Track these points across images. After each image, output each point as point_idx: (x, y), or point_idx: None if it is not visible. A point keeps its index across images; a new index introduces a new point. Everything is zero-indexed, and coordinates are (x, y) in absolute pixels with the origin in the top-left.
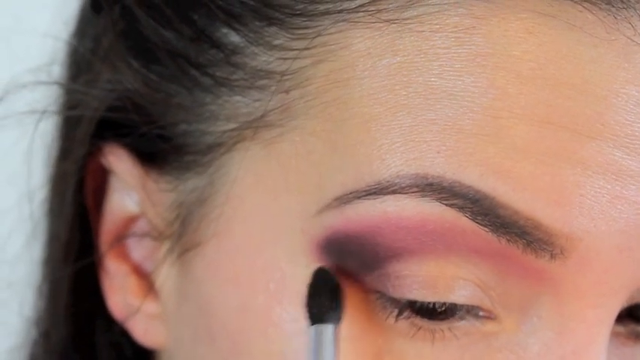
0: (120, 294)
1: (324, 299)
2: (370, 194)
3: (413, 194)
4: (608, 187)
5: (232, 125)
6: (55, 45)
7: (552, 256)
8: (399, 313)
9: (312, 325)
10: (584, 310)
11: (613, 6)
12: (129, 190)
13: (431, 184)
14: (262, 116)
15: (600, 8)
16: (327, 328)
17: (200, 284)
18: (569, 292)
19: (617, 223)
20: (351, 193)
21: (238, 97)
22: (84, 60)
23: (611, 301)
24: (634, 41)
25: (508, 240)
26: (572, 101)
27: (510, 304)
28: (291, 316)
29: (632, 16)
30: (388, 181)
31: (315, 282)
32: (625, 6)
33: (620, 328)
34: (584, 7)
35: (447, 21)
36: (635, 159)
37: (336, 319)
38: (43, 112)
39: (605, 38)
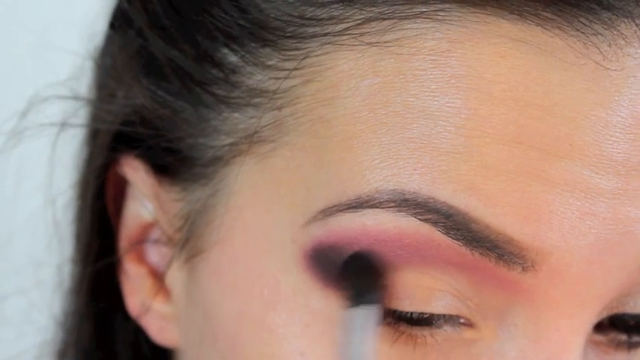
0: (138, 295)
1: (365, 280)
2: (351, 208)
3: (390, 209)
4: (578, 204)
5: (231, 140)
6: (80, 61)
7: (524, 269)
8: (381, 319)
9: (354, 307)
10: (557, 320)
11: (582, 32)
12: (144, 199)
13: (407, 200)
14: (256, 132)
15: (570, 35)
16: (369, 310)
17: (204, 289)
18: (543, 302)
19: (587, 238)
20: (334, 207)
21: (236, 114)
22: (104, 76)
23: (585, 311)
24: (602, 66)
25: (480, 253)
26: (542, 122)
27: (487, 312)
28: (284, 321)
29: (601, 42)
30: (368, 196)
31: (354, 264)
32: (594, 32)
33: (601, 337)
34: (554, 33)
35: (425, 44)
36: (604, 177)
37: (378, 300)
38: (63, 124)
39: (574, 63)
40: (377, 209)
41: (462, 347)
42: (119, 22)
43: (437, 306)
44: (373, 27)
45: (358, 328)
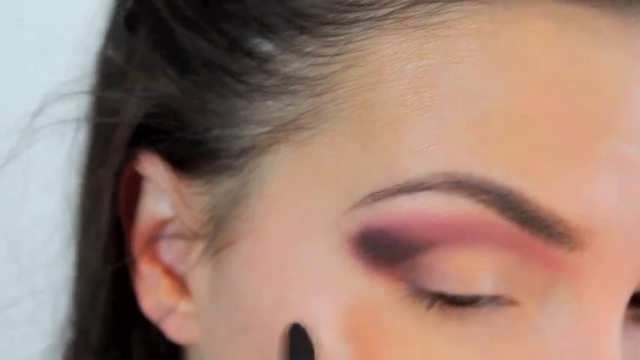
0: (153, 295)
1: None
2: (401, 192)
3: (443, 191)
4: (622, 180)
5: (265, 129)
6: (84, 60)
7: (571, 248)
8: (430, 301)
9: None
10: (600, 297)
11: (623, 11)
12: (162, 194)
13: (460, 182)
14: (294, 119)
15: (613, 14)
16: None
17: (235, 281)
18: (586, 279)
19: (630, 215)
20: (382, 191)
21: (271, 102)
22: (117, 71)
23: (624, 287)
24: None
25: (531, 233)
26: (587, 101)
27: (531, 291)
28: (326, 306)
29: None
30: (418, 180)
31: (292, 342)
32: (635, 12)
33: (628, 312)
34: (597, 12)
35: (472, 26)
36: None
37: None
38: (80, 120)
39: (616, 41)
40: (429, 192)
41: (506, 324)
42: (140, 11)
43: (485, 287)
44: (418, 10)
45: None
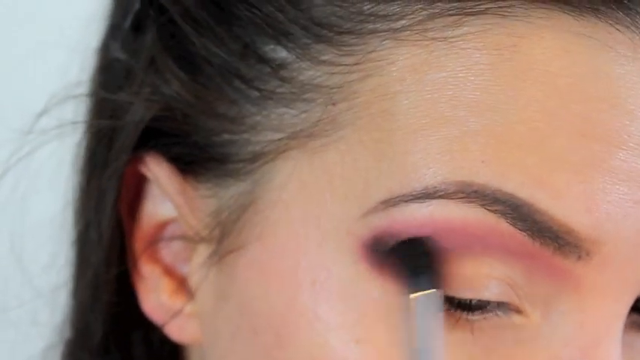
0: (154, 295)
1: (423, 265)
2: (417, 198)
3: (458, 200)
4: (631, 192)
5: (277, 136)
6: (85, 59)
7: (579, 258)
8: (441, 305)
9: (415, 292)
10: (602, 305)
11: (638, 27)
12: (164, 196)
13: (475, 191)
14: (308, 127)
15: (629, 30)
16: (434, 295)
17: (242, 284)
18: (590, 288)
19: (635, 226)
20: (397, 197)
21: (284, 109)
22: (121, 72)
23: (626, 295)
24: None
25: (541, 243)
26: (604, 114)
27: (536, 300)
28: (338, 311)
29: None
30: (435, 187)
31: (411, 249)
32: None
33: (627, 318)
34: (615, 28)
35: (490, 39)
36: None
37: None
38: (83, 122)
39: (632, 57)
40: (444, 200)
41: (512, 332)
42: (150, 12)
43: (492, 293)
44: (437, 23)
45: (422, 313)
